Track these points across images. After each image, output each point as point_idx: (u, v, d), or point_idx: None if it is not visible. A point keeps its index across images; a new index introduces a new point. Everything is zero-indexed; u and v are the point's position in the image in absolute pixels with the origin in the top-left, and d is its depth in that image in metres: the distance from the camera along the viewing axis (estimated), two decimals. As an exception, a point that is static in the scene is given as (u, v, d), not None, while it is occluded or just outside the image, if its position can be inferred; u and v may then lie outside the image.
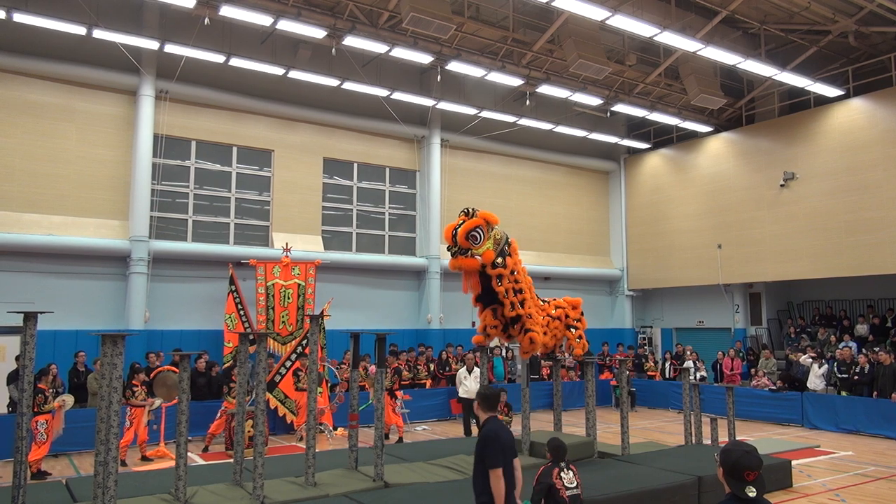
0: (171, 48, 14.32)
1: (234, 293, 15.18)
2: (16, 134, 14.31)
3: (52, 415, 10.15)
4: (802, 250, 18.05)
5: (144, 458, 11.24)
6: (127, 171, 15.28)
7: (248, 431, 10.28)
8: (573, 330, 10.21)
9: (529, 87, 17.58)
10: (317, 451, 7.89)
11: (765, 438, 13.41)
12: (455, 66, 15.94)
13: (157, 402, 11.33)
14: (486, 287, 8.77)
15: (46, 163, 14.55)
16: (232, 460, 8.17)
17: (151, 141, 15.32)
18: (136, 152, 15.20)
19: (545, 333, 9.63)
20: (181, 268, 15.74)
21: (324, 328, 13.57)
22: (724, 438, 10.60)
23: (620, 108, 18.92)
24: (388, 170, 19.38)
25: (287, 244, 15.90)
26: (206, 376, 13.50)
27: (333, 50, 14.95)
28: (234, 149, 17.00)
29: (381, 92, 16.95)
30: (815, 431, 14.44)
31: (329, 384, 13.84)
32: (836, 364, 15.36)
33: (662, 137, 22.26)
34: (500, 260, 8.63)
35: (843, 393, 14.88)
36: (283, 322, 15.22)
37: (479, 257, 8.41)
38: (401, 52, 15.13)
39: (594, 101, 18.47)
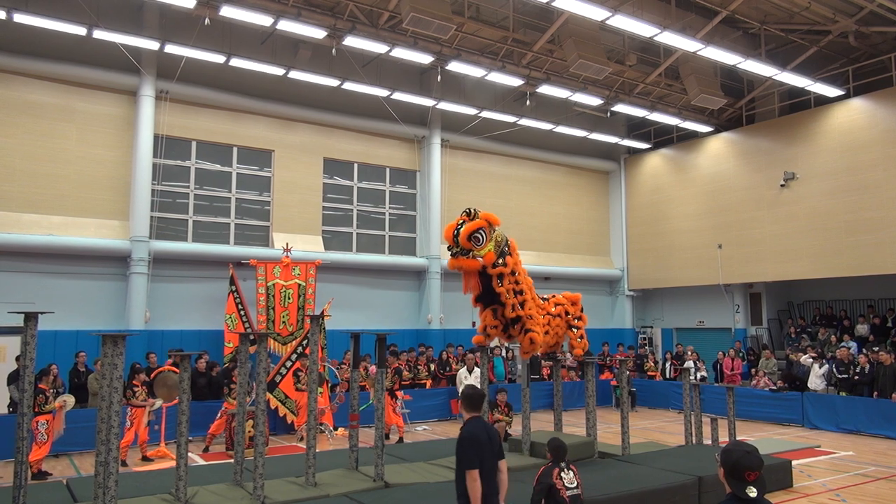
0: (171, 48, 14.32)
1: (235, 293, 15.18)
2: (16, 134, 14.32)
3: (53, 415, 10.15)
4: (803, 250, 18.05)
5: (145, 459, 11.24)
6: (127, 172, 15.29)
7: (249, 431, 10.27)
8: (575, 330, 10.22)
9: (529, 87, 17.58)
10: (317, 451, 7.89)
11: (765, 438, 13.41)
12: (455, 67, 15.95)
13: (158, 402, 11.34)
14: (487, 287, 8.78)
15: (46, 163, 14.55)
16: (232, 460, 8.18)
17: (151, 141, 15.32)
18: (136, 152, 15.21)
19: (546, 333, 9.64)
20: (181, 268, 15.74)
21: (324, 328, 13.57)
22: (724, 438, 10.60)
23: (620, 108, 18.93)
24: (388, 170, 19.38)
25: (287, 244, 15.91)
26: (206, 376, 13.50)
27: (333, 50, 14.95)
28: (235, 149, 17.00)
29: (382, 92, 16.95)
30: (816, 431, 14.44)
31: (329, 384, 13.83)
32: (834, 364, 15.36)
33: (662, 137, 22.26)
34: (500, 260, 8.64)
35: (843, 393, 14.87)
36: (283, 322, 15.22)
37: (480, 258, 8.42)
38: (401, 53, 15.13)
39: (594, 101, 18.47)
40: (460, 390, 13.93)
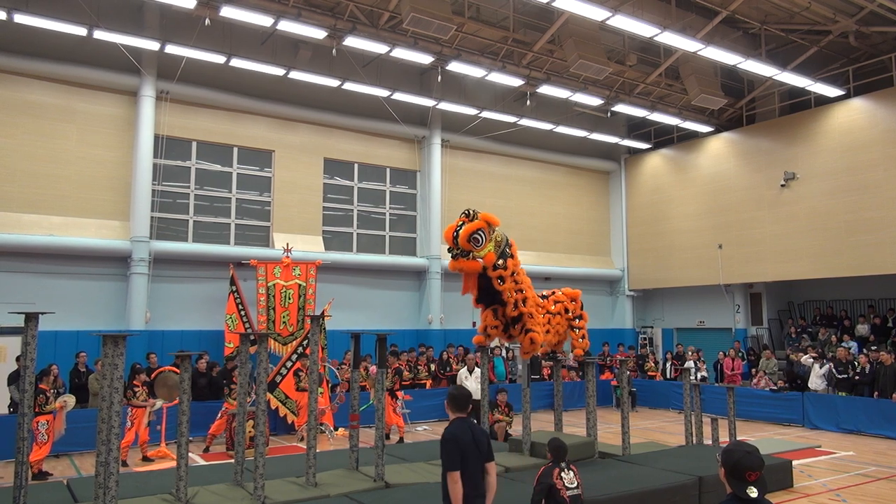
0: (171, 49, 14.33)
1: (235, 293, 15.19)
2: (16, 134, 14.32)
3: (54, 415, 10.15)
4: (803, 250, 18.04)
5: (145, 459, 11.24)
6: (127, 172, 15.29)
7: (249, 432, 10.27)
8: (577, 331, 10.21)
9: (530, 87, 17.58)
10: (318, 451, 7.88)
11: (766, 438, 13.41)
12: (455, 67, 15.95)
13: (158, 402, 11.33)
14: (487, 288, 8.78)
15: (47, 163, 14.56)
16: (233, 461, 8.17)
17: (152, 141, 15.33)
18: (136, 153, 15.21)
19: (547, 332, 9.63)
20: (182, 268, 15.75)
21: (324, 328, 13.57)
22: (724, 439, 10.59)
23: (621, 108, 18.93)
24: (388, 170, 19.38)
25: (288, 244, 15.91)
26: (206, 377, 13.50)
27: (334, 50, 14.95)
28: (235, 149, 17.01)
29: (382, 92, 16.95)
30: (816, 431, 14.44)
31: (330, 385, 13.83)
32: (833, 364, 15.34)
33: (663, 137, 22.26)
34: (501, 262, 8.64)
35: (843, 393, 14.87)
36: (283, 322, 15.23)
37: (480, 259, 8.41)
38: (401, 53, 15.13)
39: (594, 101, 18.48)
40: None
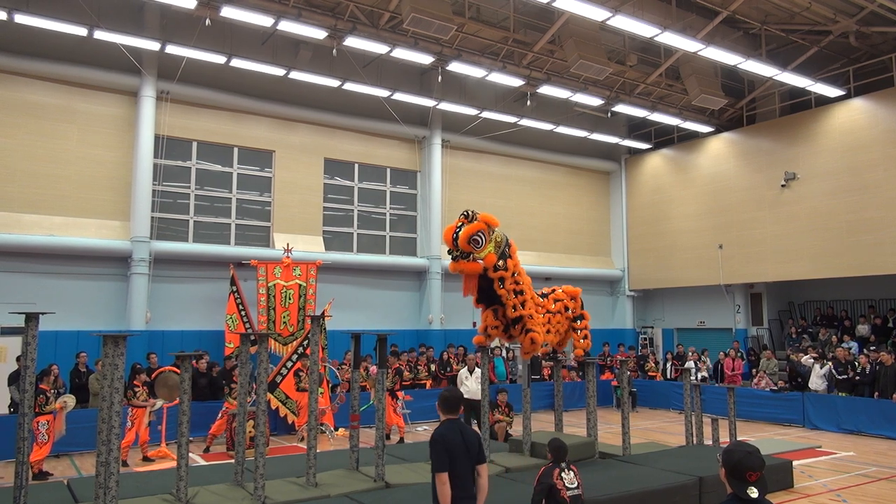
0: (172, 49, 14.33)
1: (236, 294, 15.19)
2: (17, 135, 14.32)
3: (54, 416, 10.15)
4: (803, 250, 18.04)
5: (146, 459, 11.24)
6: (128, 172, 15.29)
7: (250, 432, 10.27)
8: (578, 332, 10.19)
9: (530, 87, 17.58)
10: (318, 451, 7.88)
11: (766, 439, 13.41)
12: (456, 67, 15.94)
13: (159, 402, 11.33)
14: (487, 289, 8.77)
15: (47, 163, 14.56)
16: (233, 461, 8.17)
17: (152, 142, 15.33)
18: (137, 153, 15.21)
19: (547, 331, 9.63)
20: (182, 268, 15.75)
21: (325, 329, 13.57)
22: (725, 439, 10.59)
23: (621, 108, 18.92)
24: (388, 170, 19.38)
25: (288, 245, 15.91)
26: (207, 377, 13.50)
27: (334, 50, 14.95)
28: (235, 149, 17.01)
29: (382, 92, 16.96)
30: (817, 432, 14.43)
31: (330, 385, 13.84)
32: (833, 365, 15.33)
33: (663, 138, 22.26)
34: (501, 262, 8.64)
35: (843, 394, 14.86)
36: (284, 322, 15.23)
37: (480, 261, 8.41)
38: (401, 53, 15.13)
39: (595, 101, 18.47)
40: (461, 390, 13.97)
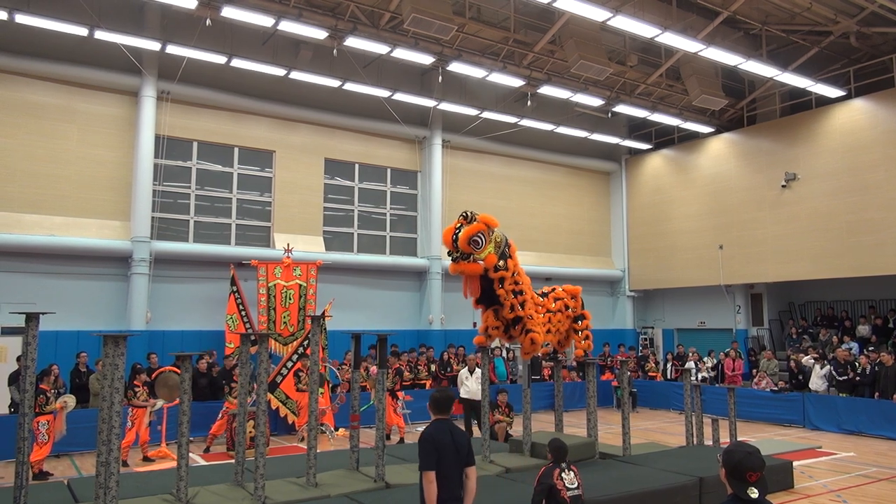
0: (172, 49, 14.34)
1: (236, 294, 15.19)
2: (17, 135, 14.33)
3: (54, 416, 10.15)
4: (804, 251, 18.03)
5: (146, 459, 11.25)
6: (128, 172, 15.30)
7: (250, 432, 10.27)
8: (579, 333, 10.18)
9: (530, 87, 17.58)
10: (318, 451, 7.88)
11: (766, 439, 13.40)
12: (456, 67, 15.94)
13: (159, 402, 11.33)
14: (488, 289, 8.77)
15: (48, 163, 14.56)
16: (233, 461, 8.18)
17: (153, 142, 15.33)
18: (137, 153, 15.22)
19: (548, 331, 9.62)
20: (182, 268, 15.75)
21: (325, 329, 13.58)
22: (725, 439, 10.59)
23: (622, 108, 18.92)
24: (389, 170, 19.38)
25: (288, 245, 15.92)
26: (207, 377, 13.50)
27: (335, 51, 14.95)
28: (236, 149, 17.01)
29: (383, 93, 16.96)
30: (817, 432, 14.43)
31: (330, 385, 13.84)
32: (833, 365, 15.33)
33: (664, 138, 22.26)
34: (501, 263, 8.63)
35: (843, 394, 14.86)
36: (284, 323, 15.23)
37: (481, 262, 8.40)
38: (402, 53, 15.13)
39: (595, 101, 18.47)
40: (461, 391, 13.98)
